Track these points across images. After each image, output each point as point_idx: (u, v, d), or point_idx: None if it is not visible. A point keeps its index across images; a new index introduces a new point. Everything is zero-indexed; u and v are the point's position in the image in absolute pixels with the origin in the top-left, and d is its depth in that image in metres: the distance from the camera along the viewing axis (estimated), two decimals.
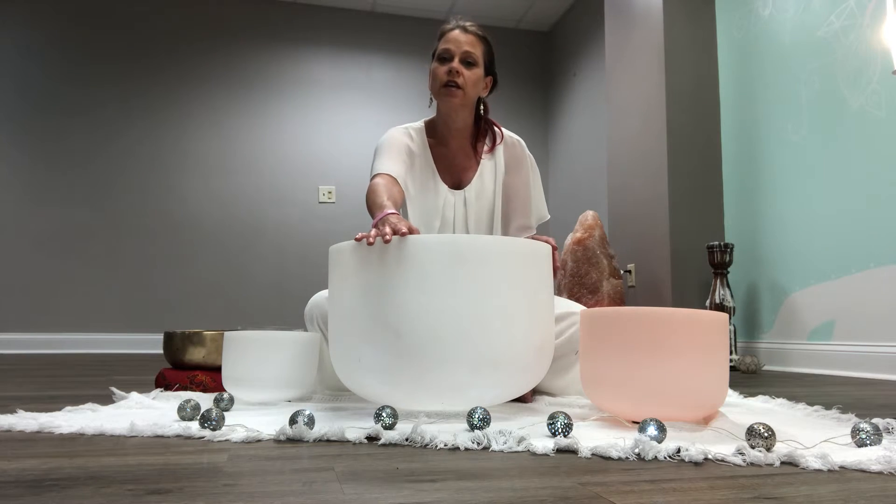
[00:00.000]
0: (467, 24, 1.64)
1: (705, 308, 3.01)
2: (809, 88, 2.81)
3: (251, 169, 4.71)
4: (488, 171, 1.69)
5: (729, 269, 3.02)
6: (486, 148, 1.71)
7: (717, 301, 2.95)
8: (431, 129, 1.72)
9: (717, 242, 2.98)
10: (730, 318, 2.92)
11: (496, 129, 1.72)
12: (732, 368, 2.72)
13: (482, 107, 1.70)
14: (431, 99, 1.69)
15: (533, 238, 1.44)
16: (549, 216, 1.78)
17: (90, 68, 4.53)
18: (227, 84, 4.74)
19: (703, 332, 1.06)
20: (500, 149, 1.71)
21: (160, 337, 4.24)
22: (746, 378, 2.42)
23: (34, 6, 4.49)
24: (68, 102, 4.47)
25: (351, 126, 4.89)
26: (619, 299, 3.20)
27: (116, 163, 4.51)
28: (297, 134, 4.81)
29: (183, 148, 4.63)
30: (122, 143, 4.53)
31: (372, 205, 1.44)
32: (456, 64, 1.59)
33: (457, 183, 1.69)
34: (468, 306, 1.09)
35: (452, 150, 1.69)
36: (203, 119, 4.68)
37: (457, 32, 1.62)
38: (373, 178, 1.56)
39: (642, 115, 3.44)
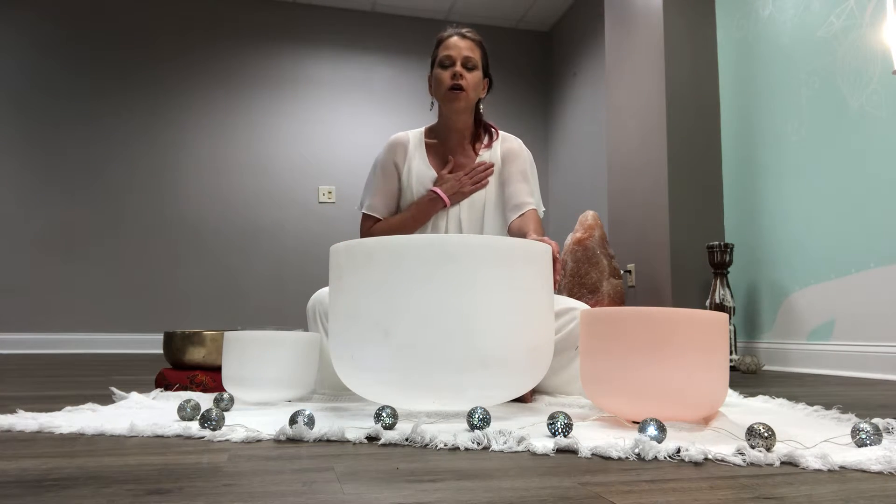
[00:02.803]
0: (464, 30, 1.75)
1: (705, 308, 3.01)
2: (809, 88, 2.81)
3: (251, 169, 4.72)
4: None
5: (729, 269, 3.02)
6: (483, 144, 1.79)
7: (717, 301, 2.95)
8: (431, 132, 1.82)
9: (717, 242, 2.98)
10: (730, 318, 2.92)
11: (493, 129, 1.81)
12: (732, 368, 2.72)
13: (479, 108, 1.81)
14: (433, 103, 1.80)
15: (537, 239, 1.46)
16: (544, 208, 1.82)
17: (90, 68, 4.53)
18: (227, 84, 4.74)
19: (703, 332, 1.06)
20: (497, 144, 1.79)
21: (160, 337, 4.24)
22: (746, 378, 2.42)
23: (35, 6, 4.49)
24: (68, 103, 4.47)
25: (351, 126, 4.89)
26: (619, 299, 3.20)
27: (117, 162, 4.51)
28: (297, 134, 4.81)
29: (183, 148, 4.63)
30: (123, 143, 4.53)
31: (404, 227, 1.70)
32: (459, 68, 1.69)
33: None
34: (455, 306, 1.09)
35: (451, 147, 1.78)
36: (203, 119, 4.68)
37: (456, 39, 1.72)
38: (369, 221, 1.77)
39: (642, 115, 3.44)
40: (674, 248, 3.17)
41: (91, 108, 4.51)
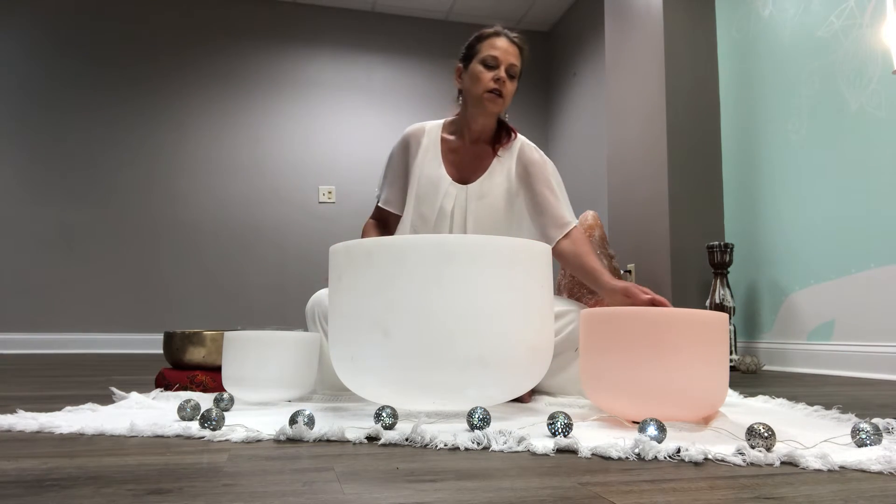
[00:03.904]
0: (512, 34, 1.66)
1: (705, 308, 3.01)
2: (809, 88, 2.80)
3: (251, 169, 4.71)
4: (498, 174, 1.68)
5: (729, 269, 3.02)
6: (502, 144, 1.71)
7: (717, 301, 2.95)
8: (450, 126, 1.74)
9: (717, 242, 2.98)
10: (730, 318, 2.92)
11: (512, 130, 1.73)
12: (732, 368, 2.72)
13: (504, 114, 1.73)
14: (459, 96, 1.71)
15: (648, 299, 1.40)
16: (576, 222, 1.72)
17: (91, 68, 4.53)
18: (227, 84, 4.74)
19: (703, 332, 1.06)
20: (514, 153, 1.70)
21: (160, 337, 4.24)
22: (746, 378, 2.42)
23: (36, 6, 4.49)
24: (69, 102, 4.47)
25: (351, 126, 4.89)
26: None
27: (117, 163, 4.51)
28: (298, 134, 4.81)
29: (183, 148, 4.63)
30: (123, 143, 4.53)
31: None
32: (503, 73, 1.61)
33: (463, 179, 1.69)
34: (455, 306, 1.09)
35: (466, 147, 1.70)
36: (203, 119, 4.68)
37: (505, 41, 1.63)
38: (374, 211, 1.76)
39: (642, 115, 3.44)
40: (674, 248, 3.17)
41: (91, 108, 4.51)
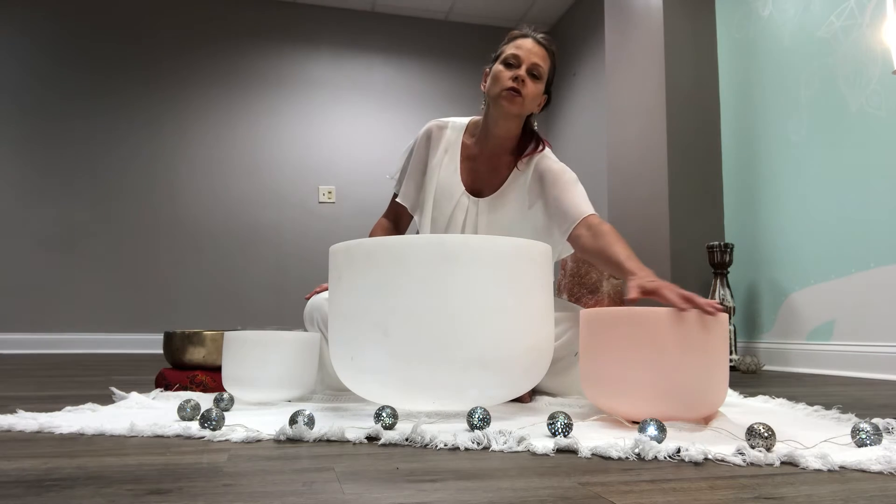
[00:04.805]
0: (540, 35, 1.59)
1: None
2: (809, 89, 2.81)
3: (251, 169, 4.71)
4: (512, 190, 1.61)
5: (729, 269, 3.02)
6: (526, 153, 1.62)
7: (717, 301, 2.95)
8: (472, 129, 1.67)
9: (717, 242, 2.98)
10: (730, 318, 2.92)
11: (542, 142, 1.64)
12: (732, 368, 2.72)
13: (531, 122, 1.64)
14: (485, 101, 1.62)
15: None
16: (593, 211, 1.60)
17: (90, 68, 4.53)
18: (227, 84, 4.74)
19: (703, 332, 1.06)
20: (532, 165, 1.62)
21: (160, 337, 4.24)
22: (746, 378, 2.42)
23: (36, 6, 4.49)
24: (68, 103, 4.47)
25: (351, 126, 4.89)
26: (619, 299, 3.19)
27: (117, 162, 4.51)
28: (297, 134, 4.81)
29: (183, 148, 4.63)
30: (123, 143, 4.53)
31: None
32: (523, 72, 1.53)
33: (476, 191, 1.63)
34: (455, 306, 1.09)
35: (485, 155, 1.62)
36: (203, 119, 4.68)
37: (530, 42, 1.57)
38: (391, 209, 1.73)
39: (642, 115, 3.44)
40: (674, 248, 3.17)
41: (91, 108, 4.51)
